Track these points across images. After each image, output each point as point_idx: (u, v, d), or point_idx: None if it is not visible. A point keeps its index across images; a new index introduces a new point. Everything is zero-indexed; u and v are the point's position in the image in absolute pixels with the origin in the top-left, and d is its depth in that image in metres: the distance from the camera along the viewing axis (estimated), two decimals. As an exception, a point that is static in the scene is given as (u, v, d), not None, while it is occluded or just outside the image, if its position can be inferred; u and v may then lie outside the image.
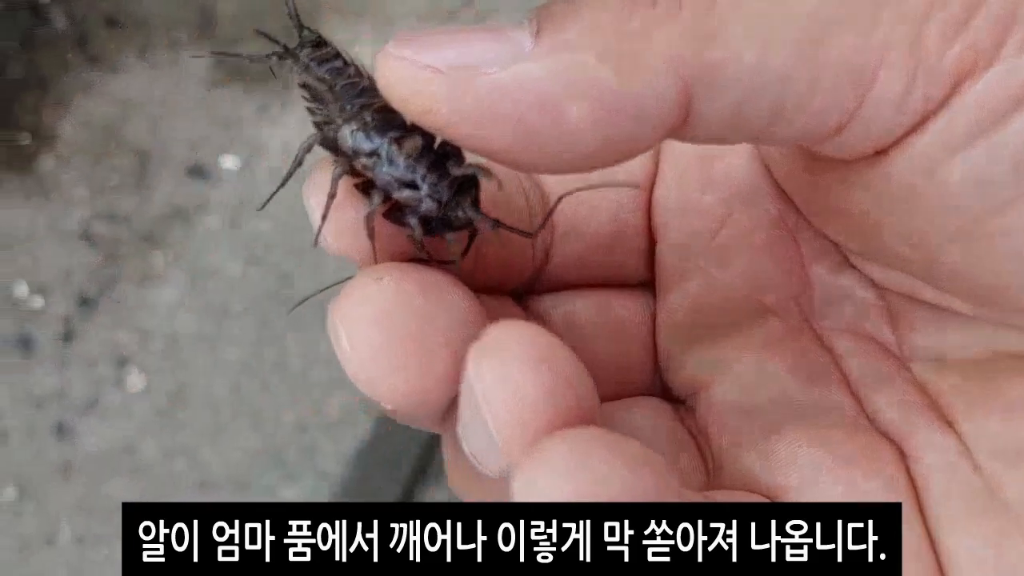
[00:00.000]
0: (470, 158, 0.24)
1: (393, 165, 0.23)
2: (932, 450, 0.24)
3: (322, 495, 0.93)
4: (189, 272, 0.99)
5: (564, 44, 0.20)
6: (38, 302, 1.00)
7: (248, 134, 1.02)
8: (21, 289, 1.01)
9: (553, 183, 0.30)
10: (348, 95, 0.24)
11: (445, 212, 0.23)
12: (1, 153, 1.06)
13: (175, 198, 1.01)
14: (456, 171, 0.23)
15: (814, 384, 0.27)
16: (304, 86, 0.25)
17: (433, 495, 1.07)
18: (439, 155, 0.23)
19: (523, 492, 0.19)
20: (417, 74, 0.20)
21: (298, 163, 0.25)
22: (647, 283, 0.31)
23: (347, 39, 1.04)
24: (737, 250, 0.30)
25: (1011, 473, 0.23)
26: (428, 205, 0.23)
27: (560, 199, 0.26)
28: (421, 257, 0.24)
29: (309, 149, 0.25)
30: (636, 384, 0.30)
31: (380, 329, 0.21)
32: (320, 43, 0.26)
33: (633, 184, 0.30)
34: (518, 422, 0.19)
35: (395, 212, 0.24)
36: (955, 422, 0.25)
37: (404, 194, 0.23)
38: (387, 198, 0.24)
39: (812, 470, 0.24)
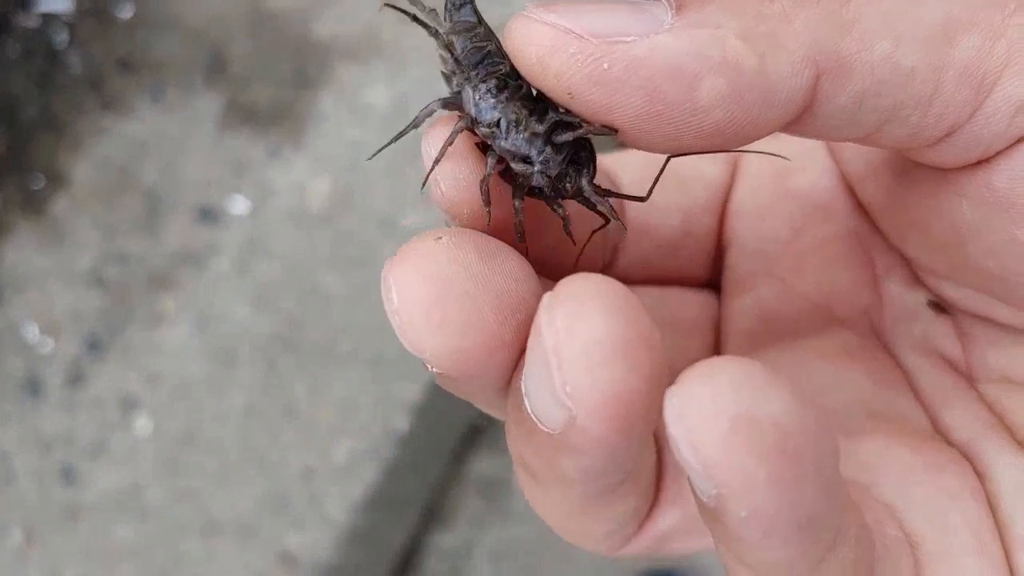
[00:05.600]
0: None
1: (510, 138, 0.23)
2: (1005, 469, 0.24)
3: (328, 542, 0.92)
4: (198, 315, 0.99)
5: (704, 20, 0.20)
6: (47, 344, 1.00)
7: (258, 176, 1.03)
8: (31, 331, 1.01)
9: (624, 173, 0.30)
10: (474, 59, 0.25)
11: (556, 184, 0.24)
12: (15, 196, 1.07)
13: (185, 240, 1.02)
14: (563, 137, 0.23)
15: (888, 393, 0.27)
16: (446, 47, 0.25)
17: (439, 542, 1.05)
18: (555, 127, 0.23)
19: (678, 411, 0.18)
20: (557, 37, 0.21)
21: (414, 125, 0.25)
22: (709, 286, 0.32)
23: (362, 80, 1.05)
24: (811, 260, 0.30)
25: None
26: (539, 180, 0.24)
27: (669, 159, 0.26)
28: (519, 223, 0.24)
29: (430, 114, 0.25)
30: None
31: (431, 285, 0.21)
32: (462, 5, 0.26)
33: (766, 153, 0.30)
34: (587, 368, 0.19)
35: (509, 173, 0.24)
36: None
37: (519, 166, 0.23)
38: (502, 160, 0.24)
39: (902, 472, 0.24)
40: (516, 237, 0.23)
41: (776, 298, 0.30)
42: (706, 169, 0.31)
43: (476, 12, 0.25)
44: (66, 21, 1.12)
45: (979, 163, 0.23)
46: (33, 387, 0.99)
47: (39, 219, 1.06)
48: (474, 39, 0.25)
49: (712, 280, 0.31)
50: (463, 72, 0.24)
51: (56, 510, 0.96)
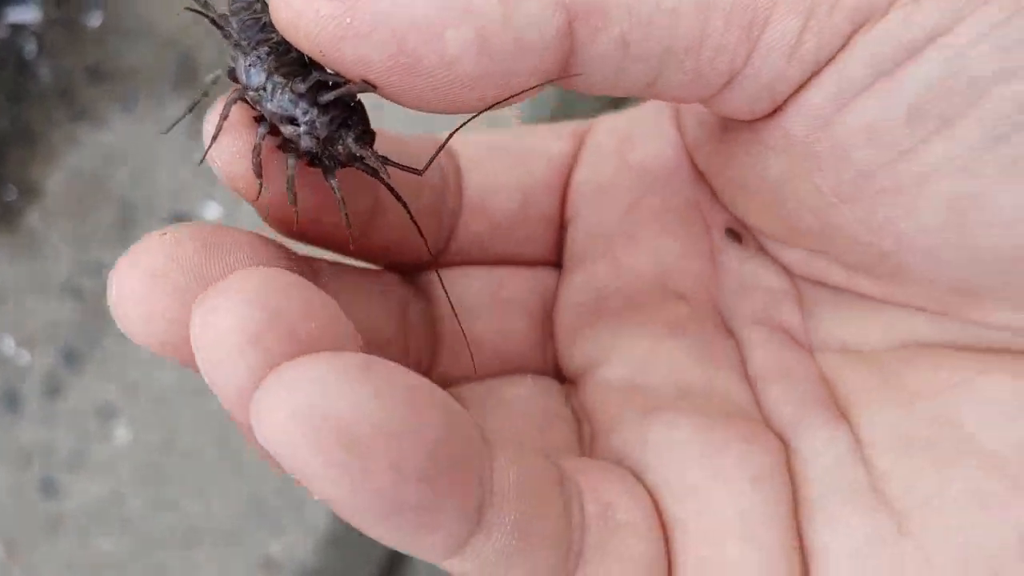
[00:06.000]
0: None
1: (276, 100, 0.23)
2: (820, 445, 0.24)
3: (309, 548, 0.92)
4: (174, 323, 0.99)
5: None
6: (24, 357, 1.00)
7: (231, 183, 1.03)
8: (7, 344, 1.01)
9: (464, 153, 0.29)
10: (250, 30, 0.25)
11: (327, 148, 0.23)
12: (-13, 208, 1.07)
13: (158, 249, 1.01)
14: (326, 97, 0.23)
15: (707, 369, 0.27)
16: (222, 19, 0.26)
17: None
18: (318, 88, 0.23)
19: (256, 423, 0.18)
20: None
21: (203, 93, 0.25)
22: (554, 264, 0.31)
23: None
24: (646, 234, 0.30)
25: (899, 466, 0.23)
26: (307, 142, 0.23)
27: (451, 135, 0.26)
28: (289, 178, 0.23)
29: (215, 81, 0.25)
30: (528, 362, 0.30)
31: (143, 281, 0.21)
32: None
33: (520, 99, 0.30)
34: (217, 360, 0.19)
35: (288, 146, 0.24)
36: (852, 414, 0.24)
37: (287, 129, 0.23)
38: (276, 132, 0.24)
39: (681, 452, 0.24)
40: (288, 199, 0.23)
41: (610, 274, 0.29)
42: (550, 145, 0.31)
43: None
44: (34, 31, 1.12)
45: (775, 112, 0.23)
46: (10, 400, 0.99)
47: (12, 231, 1.05)
48: (253, 13, 0.25)
49: (557, 259, 0.31)
50: (237, 44, 0.25)
51: (37, 522, 0.95)
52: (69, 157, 1.06)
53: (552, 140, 0.31)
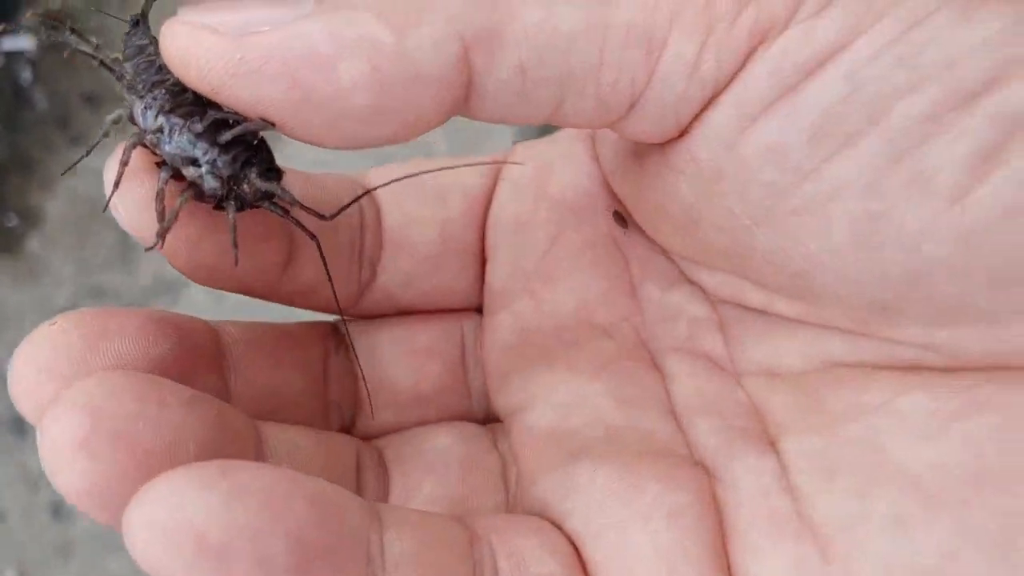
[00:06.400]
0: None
1: (174, 141, 0.22)
2: (747, 474, 0.23)
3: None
4: (177, 344, 1.00)
5: (342, 3, 0.20)
6: (29, 382, 1.01)
7: (229, 203, 1.03)
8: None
9: (386, 198, 0.29)
10: (145, 72, 0.24)
11: (232, 187, 0.23)
12: (-11, 236, 1.07)
13: (159, 271, 1.02)
14: (226, 136, 0.22)
15: (632, 408, 0.26)
16: (119, 76, 0.25)
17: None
18: (216, 126, 0.22)
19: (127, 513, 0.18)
20: (194, 34, 0.20)
21: (104, 134, 0.25)
22: (480, 301, 0.30)
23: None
24: (566, 270, 0.29)
25: (823, 492, 0.22)
26: (211, 182, 0.22)
27: (367, 192, 0.26)
28: (167, 217, 0.23)
29: (117, 122, 0.24)
30: (452, 406, 0.29)
31: (33, 374, 0.21)
32: (137, 22, 0.25)
33: (454, 168, 0.28)
34: (58, 466, 0.19)
35: (197, 189, 0.23)
36: (778, 440, 0.24)
37: (189, 171, 0.23)
38: (178, 176, 0.23)
39: (600, 496, 0.24)
40: (160, 230, 0.23)
41: (534, 312, 0.29)
42: (466, 179, 0.30)
43: (148, 32, 0.25)
44: (30, 59, 1.13)
45: (682, 135, 0.22)
46: (18, 426, 1.00)
47: (14, 257, 1.06)
48: (147, 56, 0.24)
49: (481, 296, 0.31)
50: (132, 87, 0.24)
51: (48, 546, 0.96)
52: (67, 183, 1.06)
53: (468, 173, 0.30)
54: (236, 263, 0.23)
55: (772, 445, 0.24)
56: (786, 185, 0.21)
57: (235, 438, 0.23)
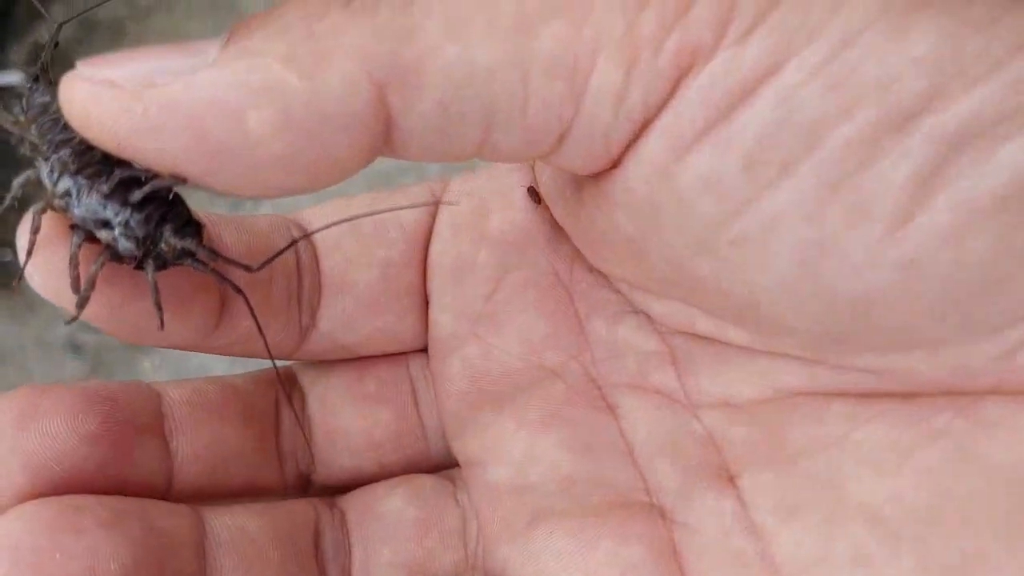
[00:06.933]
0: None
1: (84, 204, 0.22)
2: (707, 515, 0.23)
3: None
4: (175, 373, 0.99)
5: (247, 49, 0.19)
6: (30, 417, 1.01)
7: (222, 228, 1.03)
8: (13, 405, 1.01)
9: (323, 239, 0.29)
10: (49, 132, 0.23)
11: (148, 248, 0.22)
12: (-15, 271, 1.08)
13: (154, 301, 1.02)
14: (137, 195, 0.21)
15: (588, 457, 0.26)
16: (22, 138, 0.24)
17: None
18: (125, 185, 0.22)
19: None
20: (94, 89, 0.19)
21: (13, 199, 0.24)
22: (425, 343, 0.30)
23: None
24: (510, 313, 0.28)
25: (785, 530, 0.22)
26: (125, 244, 0.22)
27: (295, 241, 0.25)
28: (85, 287, 0.22)
29: (24, 185, 0.24)
30: (410, 453, 0.29)
31: None
32: (37, 78, 0.25)
33: (378, 212, 0.28)
34: None
35: (115, 255, 0.22)
36: (739, 476, 0.24)
37: (103, 234, 0.22)
38: (92, 239, 0.22)
39: (556, 560, 0.23)
40: (79, 300, 0.23)
41: (482, 359, 0.28)
42: (404, 216, 0.29)
43: (50, 88, 0.24)
44: (20, 92, 1.13)
45: (615, 166, 0.22)
46: None
47: (10, 292, 1.06)
48: (52, 115, 0.23)
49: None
50: (35, 148, 0.23)
51: None
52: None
53: (406, 211, 0.29)
54: (161, 326, 0.22)
55: (732, 481, 0.24)
56: (724, 216, 0.20)
57: (168, 543, 0.23)
